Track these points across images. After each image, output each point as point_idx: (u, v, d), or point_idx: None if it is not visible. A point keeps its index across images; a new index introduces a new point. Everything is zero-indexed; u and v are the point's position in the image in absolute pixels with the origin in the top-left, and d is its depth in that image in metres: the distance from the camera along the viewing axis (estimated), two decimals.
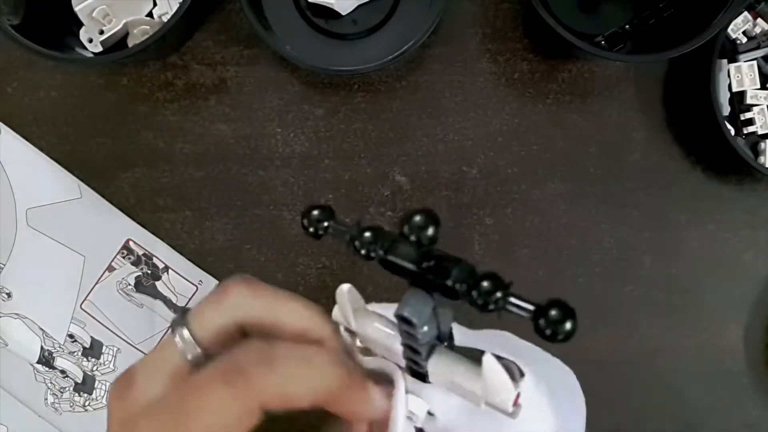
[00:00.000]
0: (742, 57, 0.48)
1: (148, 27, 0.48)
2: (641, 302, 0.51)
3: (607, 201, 0.51)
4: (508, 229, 0.51)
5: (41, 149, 0.50)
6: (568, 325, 0.19)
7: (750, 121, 0.48)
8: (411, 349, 0.24)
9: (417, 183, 0.51)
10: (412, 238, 0.21)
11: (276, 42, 0.45)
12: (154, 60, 0.50)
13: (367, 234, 0.23)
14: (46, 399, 0.49)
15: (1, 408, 0.49)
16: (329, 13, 0.48)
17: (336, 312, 0.26)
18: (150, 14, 0.48)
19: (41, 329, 0.49)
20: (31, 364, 0.49)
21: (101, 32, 0.48)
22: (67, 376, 0.49)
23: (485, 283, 0.20)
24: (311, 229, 0.25)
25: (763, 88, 0.48)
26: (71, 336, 0.49)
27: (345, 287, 0.25)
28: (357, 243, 0.23)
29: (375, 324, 0.26)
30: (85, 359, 0.49)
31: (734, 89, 0.48)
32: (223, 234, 0.50)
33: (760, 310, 0.51)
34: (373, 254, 0.22)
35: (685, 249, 0.51)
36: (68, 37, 0.48)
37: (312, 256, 0.50)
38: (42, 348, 0.49)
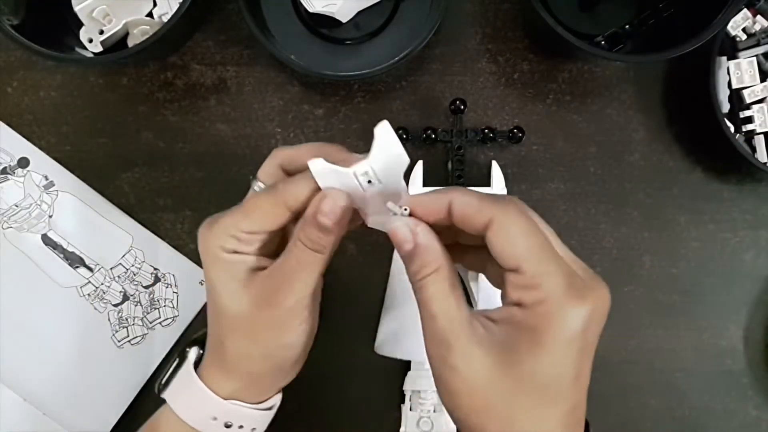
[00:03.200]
0: (741, 54, 0.48)
1: (148, 27, 0.48)
2: (641, 302, 0.51)
3: (607, 201, 0.51)
4: None
5: (41, 149, 0.50)
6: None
7: (749, 119, 0.48)
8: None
9: None
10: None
11: (279, 51, 0.45)
12: (154, 60, 0.50)
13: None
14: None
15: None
16: (330, 20, 0.48)
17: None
18: (150, 14, 0.48)
19: None
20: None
21: (101, 32, 0.48)
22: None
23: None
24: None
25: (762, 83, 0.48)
26: None
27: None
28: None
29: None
30: None
31: (734, 86, 0.48)
32: None
33: (760, 310, 0.51)
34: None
35: (685, 249, 0.51)
36: (68, 37, 0.48)
37: None
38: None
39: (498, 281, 0.33)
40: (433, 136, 0.47)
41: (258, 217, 0.34)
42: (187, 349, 0.39)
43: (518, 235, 0.29)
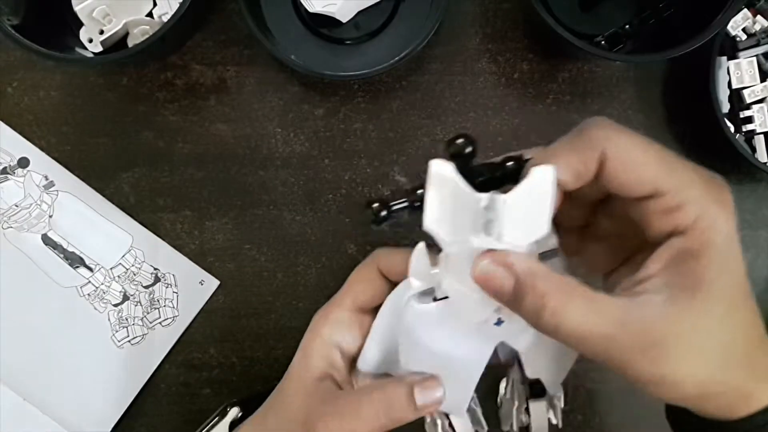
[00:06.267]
0: (741, 54, 0.48)
1: (148, 27, 0.48)
2: None
3: None
4: None
5: (41, 149, 0.50)
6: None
7: (749, 119, 0.48)
8: None
9: (417, 183, 0.51)
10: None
11: (279, 51, 0.45)
12: (154, 60, 0.50)
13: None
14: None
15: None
16: (330, 20, 0.48)
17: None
18: (150, 14, 0.48)
19: None
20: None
21: (101, 32, 0.48)
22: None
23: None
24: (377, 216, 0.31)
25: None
26: None
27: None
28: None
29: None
30: None
31: (734, 86, 0.48)
32: (223, 234, 0.50)
33: (760, 310, 0.51)
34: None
35: None
36: (68, 37, 0.48)
37: (312, 256, 0.50)
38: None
39: (606, 249, 0.30)
40: None
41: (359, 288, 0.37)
42: (228, 408, 0.41)
43: (641, 154, 0.25)
